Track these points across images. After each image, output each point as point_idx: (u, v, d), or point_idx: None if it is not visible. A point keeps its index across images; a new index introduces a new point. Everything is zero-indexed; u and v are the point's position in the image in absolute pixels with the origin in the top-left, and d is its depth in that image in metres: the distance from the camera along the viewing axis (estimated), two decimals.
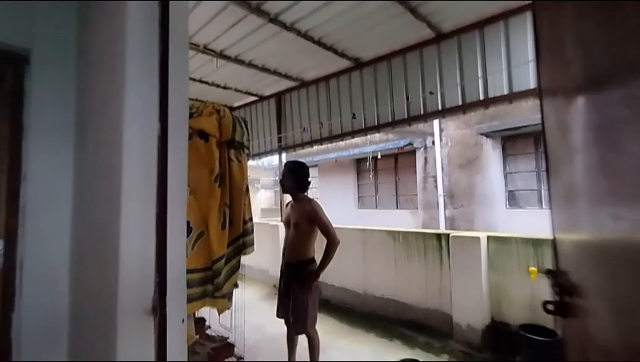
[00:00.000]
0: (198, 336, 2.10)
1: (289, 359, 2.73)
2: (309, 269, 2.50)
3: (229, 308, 1.63)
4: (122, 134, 0.78)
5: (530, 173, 6.13)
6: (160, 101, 0.84)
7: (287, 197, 2.79)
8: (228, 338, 2.51)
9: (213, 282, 1.52)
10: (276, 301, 2.71)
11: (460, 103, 3.50)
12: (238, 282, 1.74)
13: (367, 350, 3.27)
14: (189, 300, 1.37)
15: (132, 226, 0.81)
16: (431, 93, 3.60)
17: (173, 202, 0.88)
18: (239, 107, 6.39)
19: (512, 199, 6.36)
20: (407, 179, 8.13)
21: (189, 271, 1.38)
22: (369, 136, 6.13)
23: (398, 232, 4.02)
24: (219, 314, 1.68)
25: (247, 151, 1.88)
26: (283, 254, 2.64)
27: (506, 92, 3.18)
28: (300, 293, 2.45)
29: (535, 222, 5.74)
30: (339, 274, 4.47)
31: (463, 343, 3.22)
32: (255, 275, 5.58)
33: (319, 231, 2.50)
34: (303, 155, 10.27)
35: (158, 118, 0.85)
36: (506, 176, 6.40)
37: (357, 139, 8.68)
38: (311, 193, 10.74)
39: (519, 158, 6.27)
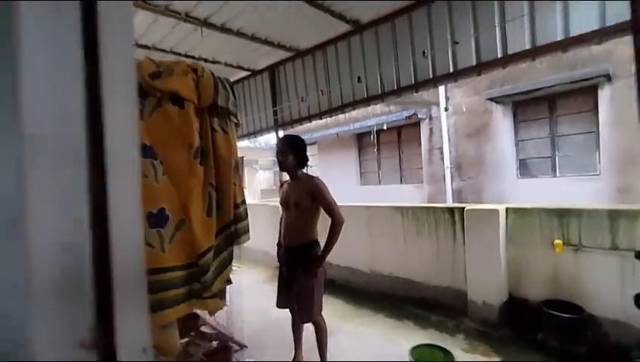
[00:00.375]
0: (193, 334, 1.89)
1: (295, 350, 2.56)
2: (314, 253, 2.30)
3: (222, 308, 1.40)
4: (19, 86, 0.48)
5: (543, 140, 5.80)
6: (84, 34, 0.53)
7: (286, 176, 2.53)
8: (226, 336, 2.30)
9: (200, 280, 1.25)
10: None
11: (475, 63, 3.15)
12: (232, 276, 1.48)
13: (376, 333, 3.12)
14: (171, 304, 1.13)
15: (46, 224, 0.53)
16: (455, 42, 3.16)
17: (118, 182, 0.59)
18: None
19: (524, 168, 6.06)
20: (412, 152, 7.82)
21: (168, 270, 1.13)
22: (371, 107, 5.78)
23: (407, 208, 3.79)
24: (210, 316, 1.45)
25: (235, 119, 1.56)
26: (282, 238, 2.42)
27: (528, 46, 2.82)
28: (305, 280, 2.24)
29: (548, 191, 5.51)
30: (344, 254, 4.29)
31: (478, 321, 3.06)
32: (257, 257, 5.42)
33: (321, 211, 2.29)
34: (301, 132, 9.92)
35: (83, 56, 0.53)
36: (517, 144, 6.07)
37: (357, 113, 8.31)
38: (310, 172, 10.47)
39: (531, 125, 5.92)
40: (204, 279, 1.24)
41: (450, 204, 3.98)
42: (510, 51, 2.94)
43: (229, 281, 1.44)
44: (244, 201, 1.57)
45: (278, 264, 2.60)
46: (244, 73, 5.54)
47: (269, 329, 3.22)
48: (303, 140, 2.40)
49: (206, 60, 4.88)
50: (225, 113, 1.45)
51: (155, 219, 1.14)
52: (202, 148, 1.34)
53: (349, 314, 3.59)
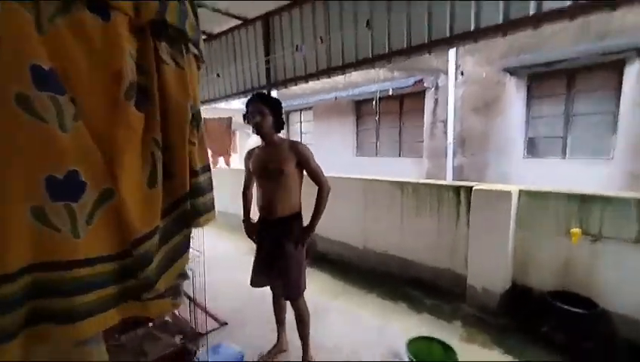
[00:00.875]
0: (152, 324, 1.58)
1: (278, 333, 2.35)
2: (300, 224, 2.10)
3: (175, 309, 1.07)
4: None
5: (556, 118, 5.39)
6: None
7: None
8: (192, 329, 1.99)
9: (137, 276, 0.88)
10: None
11: (501, 22, 2.70)
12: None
13: (367, 314, 2.91)
14: (92, 312, 0.78)
15: None
16: None
17: None
18: (220, 34, 5.36)
19: (532, 147, 5.70)
20: (413, 123, 7.37)
21: (86, 263, 0.77)
22: (374, 70, 5.25)
23: (407, 183, 3.47)
24: (155, 319, 1.13)
25: (195, 50, 1.07)
26: (260, 210, 2.13)
27: (568, 3, 2.36)
28: (293, 252, 2.02)
29: (555, 173, 5.22)
30: (335, 227, 4.05)
31: (476, 307, 2.87)
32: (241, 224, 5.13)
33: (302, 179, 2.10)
34: (296, 96, 9.32)
35: None
36: (527, 121, 5.67)
37: (357, 77, 7.72)
38: (305, 138, 9.99)
39: (545, 101, 5.48)
40: (144, 275, 0.88)
41: (455, 182, 3.68)
42: (545, 8, 2.49)
43: (183, 276, 1.07)
44: (207, 168, 1.13)
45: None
46: (235, 22, 4.92)
47: (251, 304, 2.98)
48: (279, 100, 2.10)
49: None
50: (179, 38, 0.98)
51: (61, 188, 0.73)
52: (141, 86, 0.87)
53: (339, 291, 3.38)
